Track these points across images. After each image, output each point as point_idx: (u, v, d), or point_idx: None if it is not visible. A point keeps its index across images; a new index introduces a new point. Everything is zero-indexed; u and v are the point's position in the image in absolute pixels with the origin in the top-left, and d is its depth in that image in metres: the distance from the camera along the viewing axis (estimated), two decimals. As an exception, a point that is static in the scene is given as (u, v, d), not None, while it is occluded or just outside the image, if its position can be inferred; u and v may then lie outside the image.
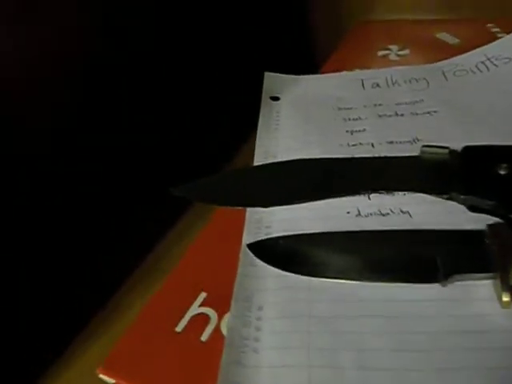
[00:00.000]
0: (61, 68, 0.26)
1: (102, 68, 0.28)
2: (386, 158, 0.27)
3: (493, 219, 0.22)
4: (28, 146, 0.24)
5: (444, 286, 0.20)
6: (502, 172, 0.23)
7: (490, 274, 0.20)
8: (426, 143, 0.27)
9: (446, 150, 0.26)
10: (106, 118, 0.29)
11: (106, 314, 0.28)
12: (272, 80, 0.37)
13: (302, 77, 0.38)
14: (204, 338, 0.21)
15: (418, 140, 0.29)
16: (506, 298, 0.19)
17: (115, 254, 0.28)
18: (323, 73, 0.38)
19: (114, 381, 0.20)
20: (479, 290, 0.20)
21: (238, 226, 0.26)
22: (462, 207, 0.24)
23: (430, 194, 0.24)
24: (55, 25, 0.25)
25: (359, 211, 0.25)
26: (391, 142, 0.29)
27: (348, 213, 0.25)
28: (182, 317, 0.22)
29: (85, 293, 0.27)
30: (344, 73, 0.37)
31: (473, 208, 0.23)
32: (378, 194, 0.26)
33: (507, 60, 0.34)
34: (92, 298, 0.28)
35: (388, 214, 0.25)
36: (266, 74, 0.38)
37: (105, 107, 0.29)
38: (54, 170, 0.25)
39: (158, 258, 0.27)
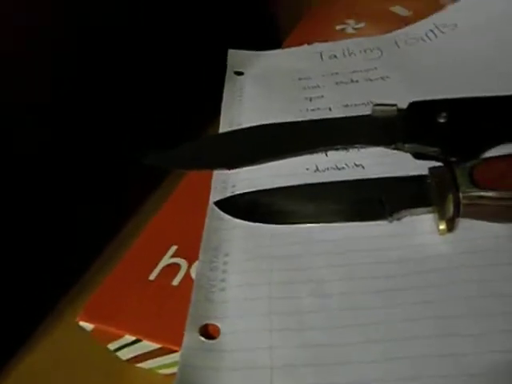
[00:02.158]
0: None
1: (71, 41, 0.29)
2: (340, 118, 0.29)
3: (436, 164, 0.25)
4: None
5: (390, 222, 0.23)
6: (442, 120, 0.25)
7: (430, 208, 0.22)
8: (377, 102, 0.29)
9: (395, 107, 0.28)
10: (78, 90, 0.30)
11: (90, 274, 0.30)
12: (236, 56, 0.39)
13: (264, 52, 0.39)
14: (175, 283, 0.23)
15: (372, 103, 0.31)
16: (442, 226, 0.21)
17: (98, 219, 0.30)
18: (285, 48, 0.40)
19: (92, 326, 0.22)
20: (421, 224, 0.23)
21: (206, 188, 0.28)
22: (410, 157, 0.26)
23: (378, 145, 0.26)
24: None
25: (317, 167, 0.27)
26: (347, 106, 0.31)
27: (307, 169, 0.27)
28: (154, 267, 0.24)
29: (71, 255, 0.29)
30: (303, 46, 0.39)
31: (417, 155, 0.25)
32: (334, 151, 0.28)
33: (453, 27, 0.36)
34: (78, 258, 0.29)
35: (343, 168, 0.27)
36: (230, 51, 0.39)
37: (77, 79, 0.30)
38: (34, 134, 0.27)
39: (139, 223, 0.28)
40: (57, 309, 0.28)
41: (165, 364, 0.22)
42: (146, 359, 0.23)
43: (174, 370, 0.23)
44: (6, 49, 0.25)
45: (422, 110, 0.26)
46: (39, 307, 0.28)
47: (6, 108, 0.26)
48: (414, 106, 0.27)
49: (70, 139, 0.30)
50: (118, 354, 0.24)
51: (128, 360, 0.24)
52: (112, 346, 0.23)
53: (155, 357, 0.22)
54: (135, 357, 0.23)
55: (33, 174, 0.28)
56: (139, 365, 0.24)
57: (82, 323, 0.22)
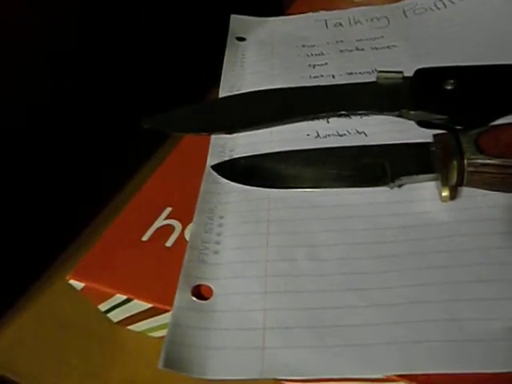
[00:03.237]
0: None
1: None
2: (344, 84, 0.28)
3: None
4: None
5: (391, 188, 0.22)
6: (449, 87, 0.24)
7: (433, 175, 0.21)
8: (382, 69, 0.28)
9: (400, 75, 0.27)
10: (79, 53, 0.29)
11: (85, 235, 0.29)
12: (238, 22, 0.38)
13: (267, 19, 0.38)
14: (169, 244, 0.22)
15: (377, 71, 0.30)
16: (445, 193, 0.20)
17: (96, 181, 0.30)
18: (289, 15, 0.39)
19: (83, 285, 0.22)
20: (423, 192, 0.22)
21: (203, 152, 0.27)
22: (413, 126, 0.25)
23: (382, 112, 0.25)
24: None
25: (318, 133, 0.26)
26: (351, 73, 0.30)
27: (308, 135, 0.26)
28: (148, 228, 0.23)
29: (67, 215, 0.29)
30: (308, 14, 0.38)
31: (422, 123, 0.24)
32: (335, 118, 0.27)
33: (463, -3, 0.35)
34: (74, 219, 0.29)
35: (345, 134, 0.26)
36: (232, 16, 0.38)
37: (79, 43, 0.29)
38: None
39: (136, 186, 0.28)
40: (50, 269, 0.28)
41: (155, 326, 0.22)
42: (137, 321, 0.22)
43: (165, 332, 0.22)
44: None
45: (428, 77, 0.26)
46: (33, 266, 0.27)
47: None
48: (420, 72, 0.26)
49: (71, 100, 0.29)
50: (109, 315, 0.24)
51: (119, 322, 0.24)
52: (103, 307, 0.23)
53: (146, 318, 0.22)
54: (126, 318, 0.23)
55: (31, 134, 0.28)
56: (130, 327, 0.24)
57: (72, 281, 0.22)
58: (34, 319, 0.26)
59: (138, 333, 0.24)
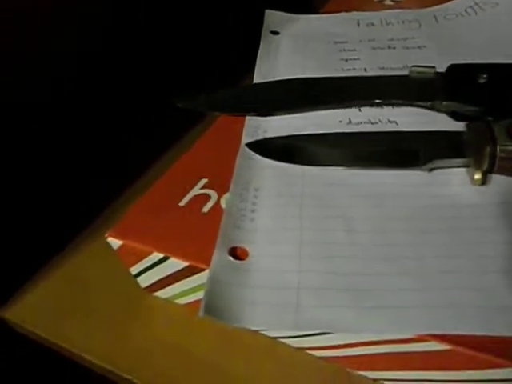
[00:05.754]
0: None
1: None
2: (377, 76, 0.29)
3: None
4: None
5: (423, 171, 0.23)
6: (482, 81, 0.25)
7: (465, 160, 0.22)
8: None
9: (433, 70, 0.28)
10: (113, 28, 0.30)
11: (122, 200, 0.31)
12: (272, 17, 0.39)
13: (301, 16, 0.40)
14: (205, 210, 0.23)
15: (409, 66, 0.31)
16: (477, 176, 0.21)
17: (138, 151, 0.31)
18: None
19: (120, 242, 0.22)
20: (454, 177, 0.23)
21: (238, 131, 0.28)
22: (445, 118, 0.26)
23: (415, 102, 0.26)
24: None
25: (350, 120, 0.27)
26: (383, 68, 0.31)
27: (340, 121, 0.27)
28: (184, 195, 0.24)
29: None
30: (341, 13, 0.39)
31: (454, 114, 0.25)
32: (368, 107, 0.28)
33: (494, 4, 0.36)
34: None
35: (377, 122, 0.27)
36: (267, 11, 0.39)
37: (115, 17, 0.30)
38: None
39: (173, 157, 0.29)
40: (86, 231, 0.29)
41: (185, 290, 0.23)
42: (167, 285, 0.23)
43: (192, 298, 0.23)
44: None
45: (461, 72, 0.26)
46: (70, 227, 0.28)
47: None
48: (453, 67, 0.27)
49: (111, 76, 0.31)
50: (139, 279, 0.24)
51: (147, 288, 0.24)
52: (135, 270, 0.24)
53: (178, 280, 0.22)
54: (156, 282, 0.24)
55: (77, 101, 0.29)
56: (157, 293, 0.24)
57: (110, 239, 0.23)
58: (64, 278, 0.27)
59: (165, 300, 0.25)
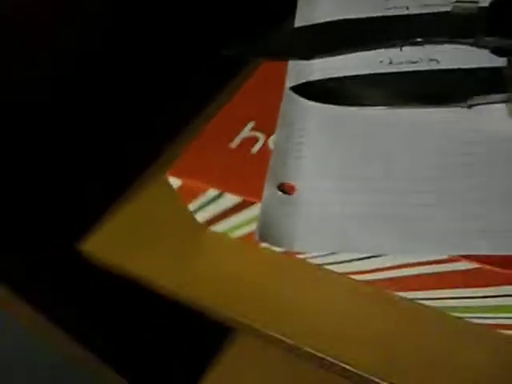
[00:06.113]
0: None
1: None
2: (418, 13, 0.29)
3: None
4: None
5: (462, 107, 0.24)
6: (526, 15, 0.25)
7: (506, 95, 0.23)
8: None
9: (476, 5, 0.28)
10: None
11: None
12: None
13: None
14: (254, 151, 0.25)
15: (452, 2, 0.31)
16: (517, 110, 0.22)
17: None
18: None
19: (180, 181, 0.25)
20: (495, 112, 0.23)
21: (281, 76, 0.29)
22: (487, 54, 0.26)
23: (457, 38, 0.27)
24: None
25: (391, 60, 0.28)
26: (426, 5, 0.31)
27: (381, 62, 0.28)
28: (234, 137, 0.26)
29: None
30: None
31: (496, 51, 0.26)
32: (408, 47, 0.28)
33: None
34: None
35: (417, 61, 0.27)
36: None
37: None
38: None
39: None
40: (145, 173, 0.32)
41: (239, 222, 0.25)
42: (223, 218, 0.26)
43: (245, 230, 0.26)
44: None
45: (505, 6, 0.26)
46: (131, 170, 0.32)
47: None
48: (496, 2, 0.27)
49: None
50: (197, 215, 0.27)
51: (205, 222, 0.27)
52: (193, 206, 0.27)
53: (233, 213, 0.25)
54: (213, 217, 0.26)
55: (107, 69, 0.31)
56: (214, 227, 0.27)
57: (171, 178, 0.25)
58: (129, 217, 0.31)
59: (220, 234, 0.27)
